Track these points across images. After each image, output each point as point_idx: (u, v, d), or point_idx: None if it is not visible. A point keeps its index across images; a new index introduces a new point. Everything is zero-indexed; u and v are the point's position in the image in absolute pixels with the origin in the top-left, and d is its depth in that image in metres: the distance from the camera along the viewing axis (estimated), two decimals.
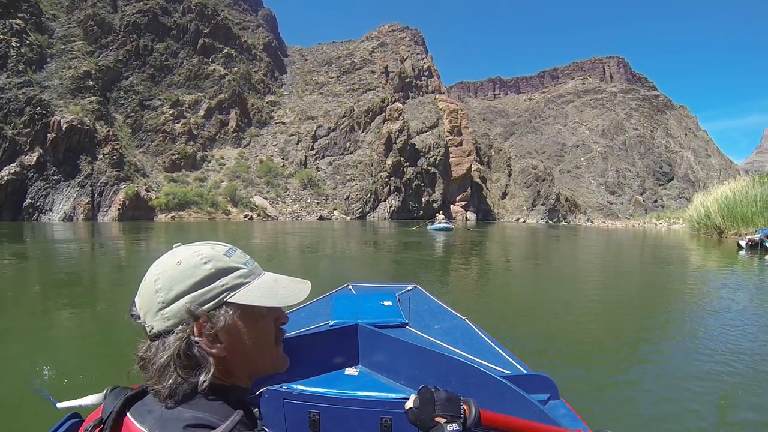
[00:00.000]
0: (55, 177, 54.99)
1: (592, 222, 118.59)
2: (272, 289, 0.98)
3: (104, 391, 1.26)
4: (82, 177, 56.77)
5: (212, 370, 0.90)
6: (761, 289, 11.45)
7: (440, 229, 39.27)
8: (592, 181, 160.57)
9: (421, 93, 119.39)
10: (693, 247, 25.94)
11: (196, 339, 0.90)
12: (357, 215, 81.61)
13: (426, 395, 1.29)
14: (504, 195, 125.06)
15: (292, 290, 1.00)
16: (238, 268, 0.96)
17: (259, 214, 71.98)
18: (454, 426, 1.21)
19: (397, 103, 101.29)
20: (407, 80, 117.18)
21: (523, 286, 12.21)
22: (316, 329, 2.88)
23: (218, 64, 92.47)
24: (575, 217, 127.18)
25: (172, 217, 62.22)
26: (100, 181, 58.15)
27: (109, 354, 5.37)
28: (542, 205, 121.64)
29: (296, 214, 76.14)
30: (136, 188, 60.55)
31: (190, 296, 0.90)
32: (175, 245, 0.99)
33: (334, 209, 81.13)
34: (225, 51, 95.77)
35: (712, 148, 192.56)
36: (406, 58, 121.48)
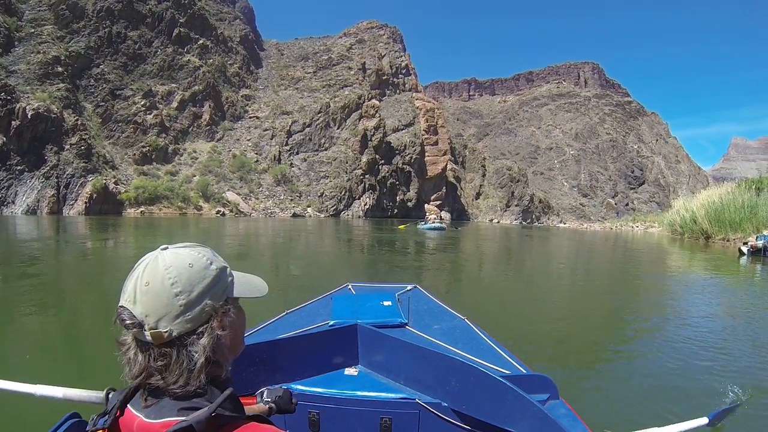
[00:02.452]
0: (19, 167, 53.32)
1: (564, 223, 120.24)
2: (250, 283, 1.08)
3: (104, 392, 1.61)
4: (48, 168, 55.13)
5: (228, 359, 1.00)
6: None
7: (433, 229, 39.14)
8: (565, 184, 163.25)
9: (398, 91, 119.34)
10: (686, 252, 25.30)
11: (220, 333, 0.96)
12: (331, 213, 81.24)
13: None
14: (478, 195, 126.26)
15: (260, 284, 1.10)
16: (226, 267, 1.03)
17: (231, 210, 71.19)
18: None
19: (373, 101, 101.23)
20: (384, 78, 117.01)
21: (521, 286, 12.12)
22: (315, 329, 2.93)
23: (193, 55, 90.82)
24: (548, 219, 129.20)
25: (141, 211, 60.93)
26: (67, 172, 56.50)
27: (82, 364, 5.16)
28: (516, 206, 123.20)
29: (269, 211, 75.53)
30: (104, 181, 59.13)
31: (208, 296, 0.95)
32: (162, 247, 0.99)
33: (308, 206, 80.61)
34: (200, 42, 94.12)
35: (681, 154, 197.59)
36: (384, 56, 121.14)
